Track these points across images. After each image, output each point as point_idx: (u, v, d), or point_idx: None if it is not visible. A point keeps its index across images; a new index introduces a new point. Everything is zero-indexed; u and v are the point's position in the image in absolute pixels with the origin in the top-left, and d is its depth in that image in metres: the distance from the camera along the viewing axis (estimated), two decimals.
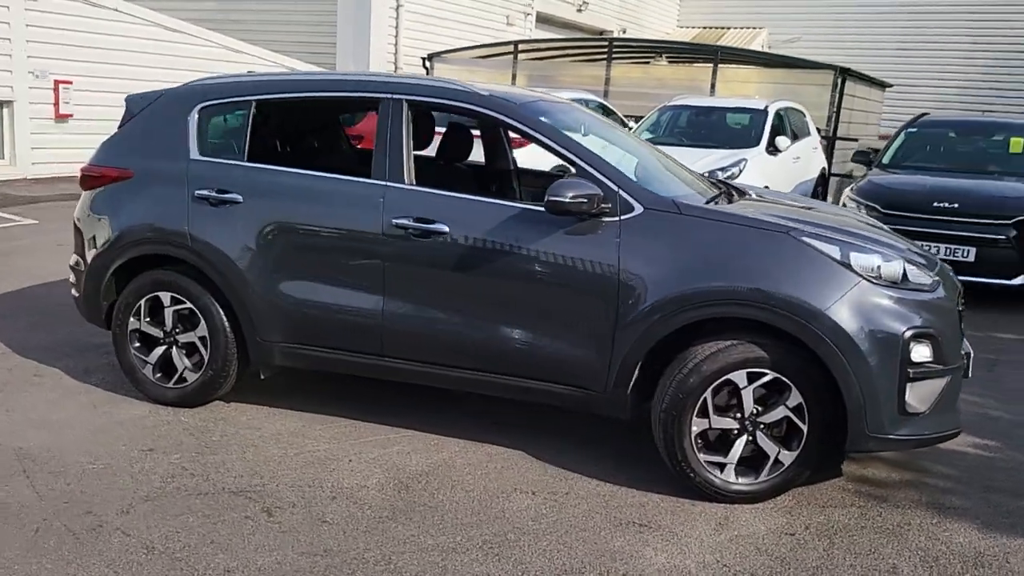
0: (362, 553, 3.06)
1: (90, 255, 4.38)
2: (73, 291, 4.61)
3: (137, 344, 4.35)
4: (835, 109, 12.21)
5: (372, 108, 4.19)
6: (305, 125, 5.05)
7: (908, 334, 3.32)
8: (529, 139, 3.85)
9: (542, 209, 3.68)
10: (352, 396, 4.50)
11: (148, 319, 4.31)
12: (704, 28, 25.62)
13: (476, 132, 5.11)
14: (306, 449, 3.90)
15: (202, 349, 4.21)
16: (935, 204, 7.08)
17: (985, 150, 8.44)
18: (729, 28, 24.98)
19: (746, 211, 3.72)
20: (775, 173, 8.90)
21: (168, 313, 4.24)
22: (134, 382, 4.37)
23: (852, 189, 7.85)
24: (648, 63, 15.33)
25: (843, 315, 3.30)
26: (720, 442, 3.51)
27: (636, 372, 3.56)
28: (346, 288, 3.96)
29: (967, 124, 9.29)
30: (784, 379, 3.41)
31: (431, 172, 4.39)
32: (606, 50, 14.01)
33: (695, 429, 3.46)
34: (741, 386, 3.43)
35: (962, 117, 10.79)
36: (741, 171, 8.23)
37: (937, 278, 3.58)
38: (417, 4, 16.62)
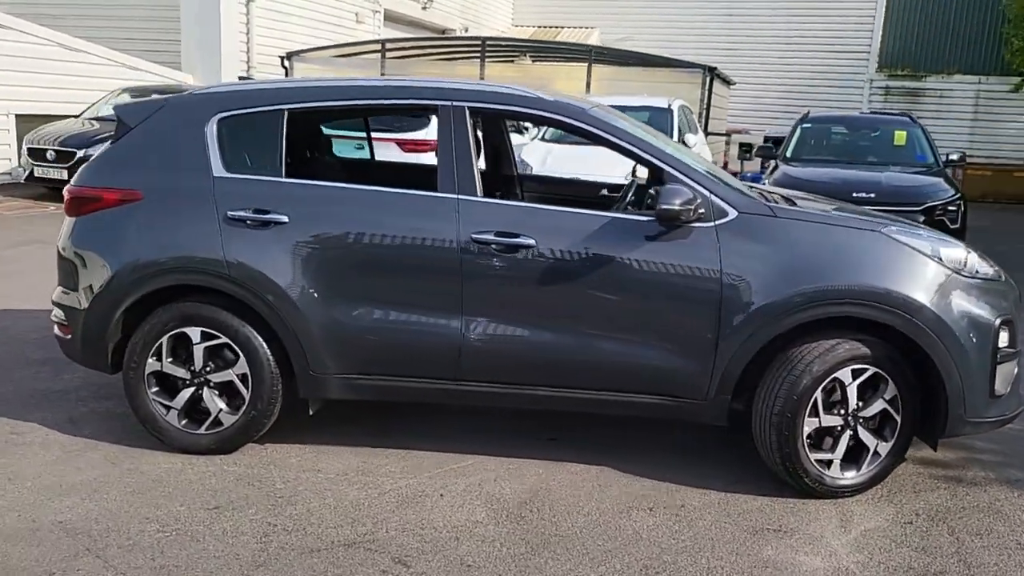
0: None
1: (90, 290, 3.81)
2: (60, 331, 4.00)
3: (155, 388, 3.84)
4: (705, 106, 12.82)
5: (426, 115, 3.92)
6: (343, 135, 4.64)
7: (998, 321, 3.52)
8: (606, 144, 3.74)
9: (631, 217, 3.61)
10: (383, 424, 4.22)
11: (171, 359, 3.81)
12: (538, 27, 26.11)
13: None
14: (386, 488, 3.60)
15: (241, 388, 3.78)
16: (854, 195, 7.58)
17: (872, 143, 9.16)
18: (563, 27, 25.61)
19: (828, 211, 3.80)
20: None
21: (198, 351, 3.77)
22: (155, 431, 3.85)
23: (766, 181, 8.27)
24: (513, 62, 15.40)
25: (943, 307, 3.45)
26: (823, 439, 3.57)
27: (738, 378, 3.56)
28: (418, 310, 3.68)
29: (853, 120, 10.08)
30: (882, 373, 3.52)
31: None
32: (478, 49, 13.93)
33: (807, 429, 3.50)
34: (846, 383, 3.50)
35: (845, 113, 11.66)
36: None
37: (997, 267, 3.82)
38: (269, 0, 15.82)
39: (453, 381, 3.74)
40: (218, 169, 3.78)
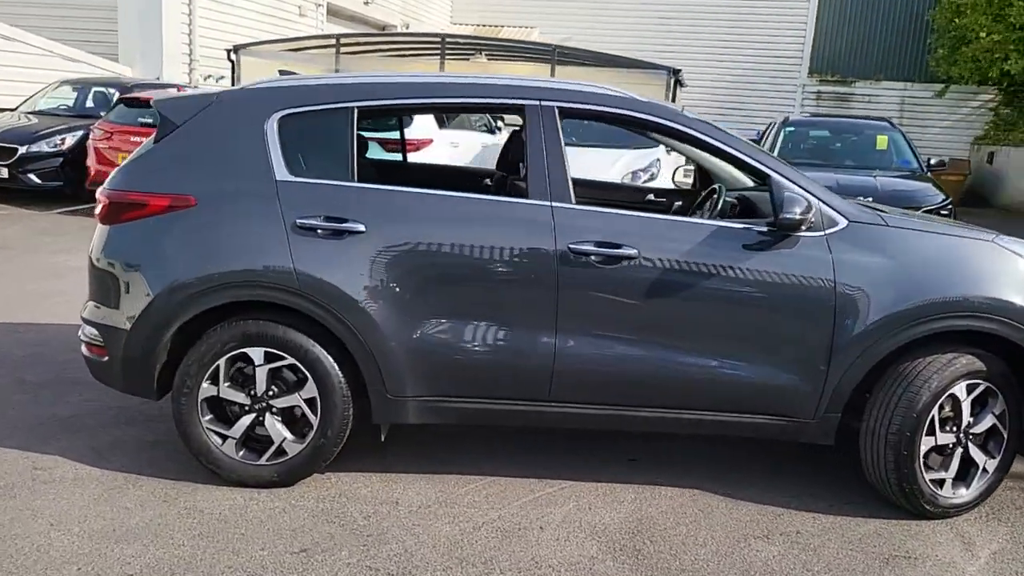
0: None
1: (134, 306, 3.39)
2: (91, 352, 3.56)
3: (209, 416, 3.44)
4: None
5: (509, 115, 3.63)
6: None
7: None
8: (705, 147, 3.53)
9: (738, 226, 3.41)
10: (449, 448, 3.92)
11: (228, 383, 3.42)
12: (479, 25, 25.81)
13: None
14: (478, 521, 3.30)
15: (309, 413, 3.42)
16: (857, 198, 7.59)
17: (855, 147, 9.23)
18: (503, 26, 25.38)
19: (934, 221, 3.67)
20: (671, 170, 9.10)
21: (260, 373, 3.39)
22: (210, 463, 3.45)
23: None
24: (468, 60, 15.05)
25: None
26: (934, 457, 3.44)
27: (850, 395, 3.39)
28: (509, 326, 3.39)
29: (835, 124, 10.15)
30: (993, 387, 3.41)
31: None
32: (438, 46, 13.55)
33: (923, 448, 3.36)
34: (961, 399, 3.38)
35: (824, 117, 11.73)
36: (659, 171, 8.30)
37: None
38: None
39: (543, 403, 3.47)
40: (281, 172, 3.40)
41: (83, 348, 3.63)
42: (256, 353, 3.38)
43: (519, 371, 3.42)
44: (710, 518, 3.40)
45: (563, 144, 3.46)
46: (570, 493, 3.56)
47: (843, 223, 3.39)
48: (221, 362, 3.39)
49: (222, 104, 3.54)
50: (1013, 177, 17.53)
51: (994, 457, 3.48)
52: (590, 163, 7.48)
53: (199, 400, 3.41)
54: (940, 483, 3.43)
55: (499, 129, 10.26)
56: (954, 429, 3.41)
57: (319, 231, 3.33)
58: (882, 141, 8.97)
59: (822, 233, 3.36)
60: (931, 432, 3.36)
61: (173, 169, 3.46)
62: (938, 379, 3.31)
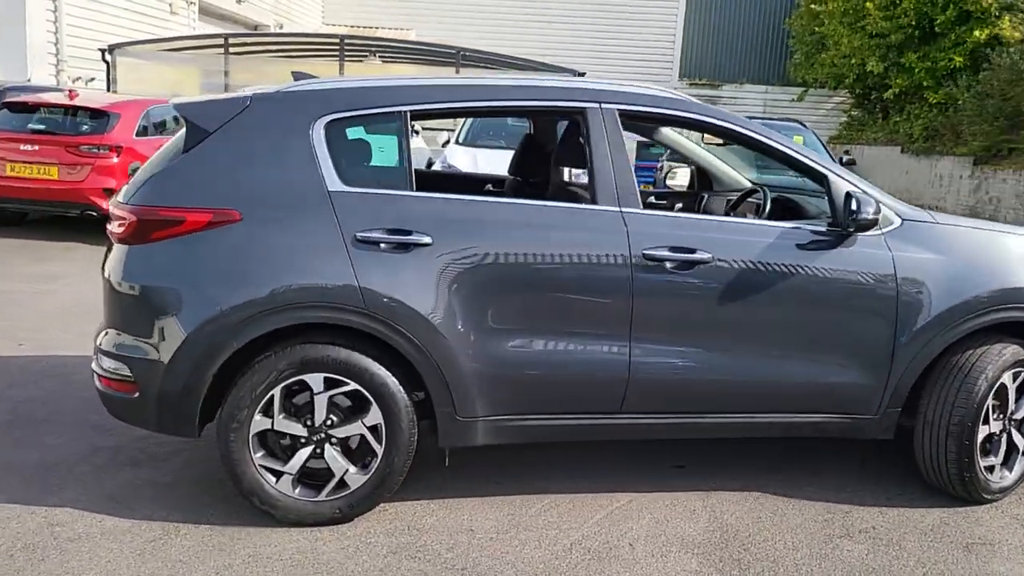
0: None
1: (175, 335, 3.03)
2: (114, 388, 3.17)
3: (261, 452, 3.13)
4: None
5: (566, 118, 3.49)
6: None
7: None
8: (761, 148, 3.52)
9: (807, 227, 3.43)
10: (496, 468, 3.75)
11: (283, 414, 3.12)
12: (352, 26, 25.25)
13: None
14: (563, 542, 3.16)
15: (373, 441, 3.17)
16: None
17: None
18: (378, 27, 24.94)
19: (973, 218, 3.81)
20: None
21: (320, 401, 3.11)
22: (264, 504, 3.13)
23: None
24: (362, 62, 14.66)
25: None
26: (985, 445, 3.56)
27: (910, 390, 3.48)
28: (583, 338, 3.26)
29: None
30: None
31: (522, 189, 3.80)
32: (337, 48, 13.06)
33: (980, 436, 3.48)
34: (1008, 386, 3.53)
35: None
36: None
37: None
38: None
39: (615, 415, 3.36)
40: (333, 182, 3.13)
41: (99, 383, 3.23)
42: (315, 380, 3.10)
43: (593, 384, 3.29)
44: (785, 520, 3.39)
45: (626, 147, 3.36)
46: (638, 506, 3.46)
47: (898, 221, 3.46)
48: (276, 391, 3.08)
49: (258, 108, 3.22)
50: (866, 174, 18.83)
51: None
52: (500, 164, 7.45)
53: (250, 435, 3.09)
54: (991, 469, 3.56)
55: (416, 133, 10.02)
56: (1001, 416, 3.55)
57: (382, 245, 3.09)
58: (797, 140, 9.35)
59: (880, 232, 3.42)
60: (986, 421, 3.49)
61: (210, 181, 3.12)
62: (992, 369, 3.44)
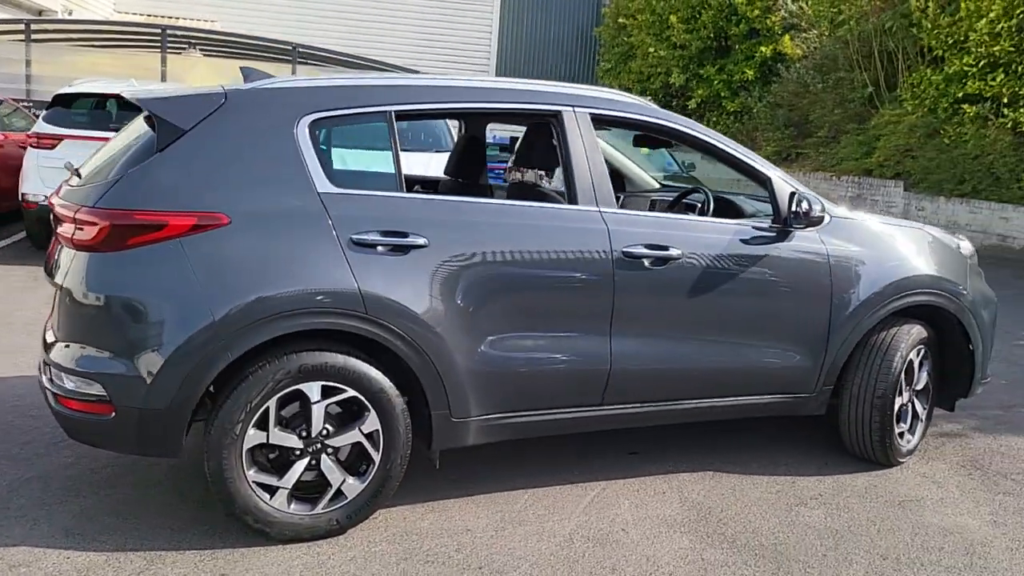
0: None
1: (161, 349, 2.82)
2: (86, 410, 2.90)
3: (253, 468, 2.99)
4: None
5: (540, 122, 3.57)
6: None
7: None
8: (717, 153, 3.77)
9: (758, 225, 3.72)
10: (456, 468, 3.78)
11: (278, 427, 2.99)
12: (148, 15, 23.63)
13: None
14: (564, 534, 3.25)
15: (370, 448, 3.11)
16: None
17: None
18: (179, 17, 23.53)
19: (876, 215, 4.26)
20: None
21: (317, 411, 3.01)
22: (259, 522, 2.99)
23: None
24: (180, 54, 13.79)
25: (973, 290, 4.12)
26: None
27: (840, 369, 3.87)
28: (567, 335, 3.37)
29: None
30: (928, 350, 4.09)
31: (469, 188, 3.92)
32: (158, 38, 12.16)
33: (896, 407, 3.94)
34: (914, 362, 4.01)
35: None
36: None
37: None
38: None
39: (596, 407, 3.50)
40: (323, 184, 3.04)
41: (58, 404, 2.93)
42: (312, 388, 3.00)
43: (578, 378, 3.41)
44: (745, 495, 3.67)
45: (599, 150, 3.50)
46: (613, 493, 3.62)
47: (828, 218, 3.84)
48: (271, 403, 2.95)
49: (235, 105, 3.06)
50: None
51: (926, 407, 4.18)
52: (411, 164, 7.41)
53: (244, 451, 2.94)
54: (902, 435, 4.04)
55: None
56: (908, 388, 4.03)
57: (379, 248, 3.04)
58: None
59: (815, 228, 3.78)
60: (900, 393, 3.95)
61: (191, 182, 2.93)
62: (904, 347, 3.91)
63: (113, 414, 2.85)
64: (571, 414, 3.46)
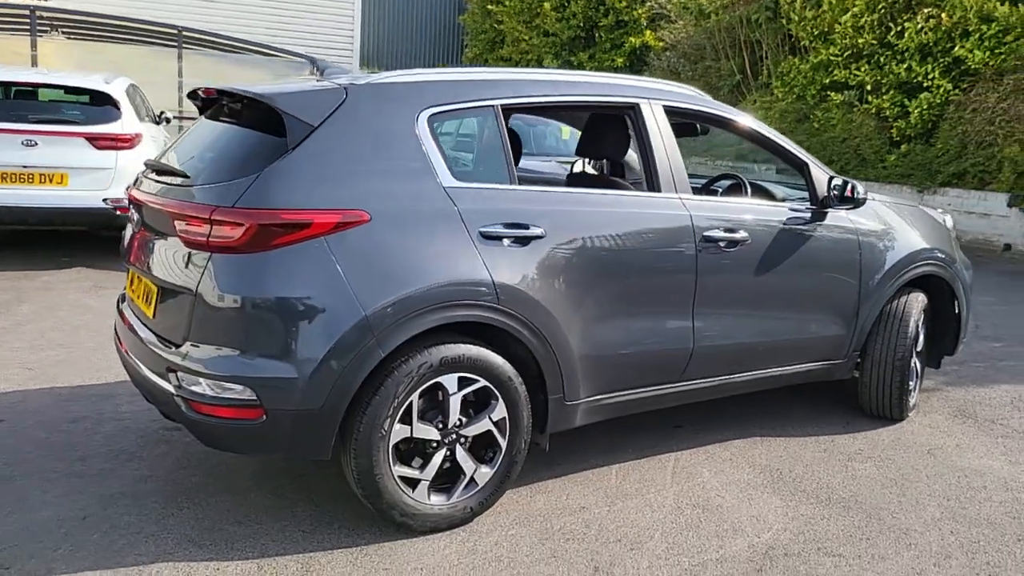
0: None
1: (313, 349, 2.80)
2: (233, 415, 2.82)
3: (397, 462, 3.02)
4: None
5: (612, 114, 3.72)
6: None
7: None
8: (761, 141, 4.05)
9: (796, 207, 4.05)
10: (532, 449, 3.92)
11: (420, 420, 3.03)
12: None
13: None
14: (667, 503, 3.46)
15: (497, 435, 3.20)
16: None
17: (544, 135, 10.30)
18: None
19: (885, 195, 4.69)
20: None
21: (454, 402, 3.07)
22: (404, 516, 3.02)
23: None
24: (42, 37, 12.70)
25: (959, 259, 4.65)
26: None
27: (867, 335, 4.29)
28: (661, 315, 3.58)
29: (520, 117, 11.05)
30: (923, 314, 4.59)
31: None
32: (27, 20, 11.15)
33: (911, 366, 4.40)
34: (920, 325, 4.49)
35: None
36: None
37: None
38: None
39: (676, 383, 3.72)
40: (447, 178, 3.08)
41: (198, 412, 2.84)
42: (450, 380, 3.05)
43: (667, 356, 3.63)
44: (802, 457, 4.00)
45: (674, 138, 3.70)
46: (688, 463, 3.86)
47: (869, 199, 4.21)
48: (414, 397, 2.98)
49: (357, 101, 3.04)
50: None
51: (921, 364, 4.68)
52: None
53: (390, 446, 2.96)
54: (911, 392, 4.51)
55: (167, 121, 9.19)
56: (918, 351, 4.51)
57: (505, 240, 3.12)
58: (566, 131, 10.18)
59: (844, 209, 4.16)
60: (914, 354, 4.42)
61: (329, 180, 2.89)
62: (916, 313, 4.37)
63: (263, 417, 2.79)
64: (656, 391, 3.66)
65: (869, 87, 13.04)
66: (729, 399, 4.49)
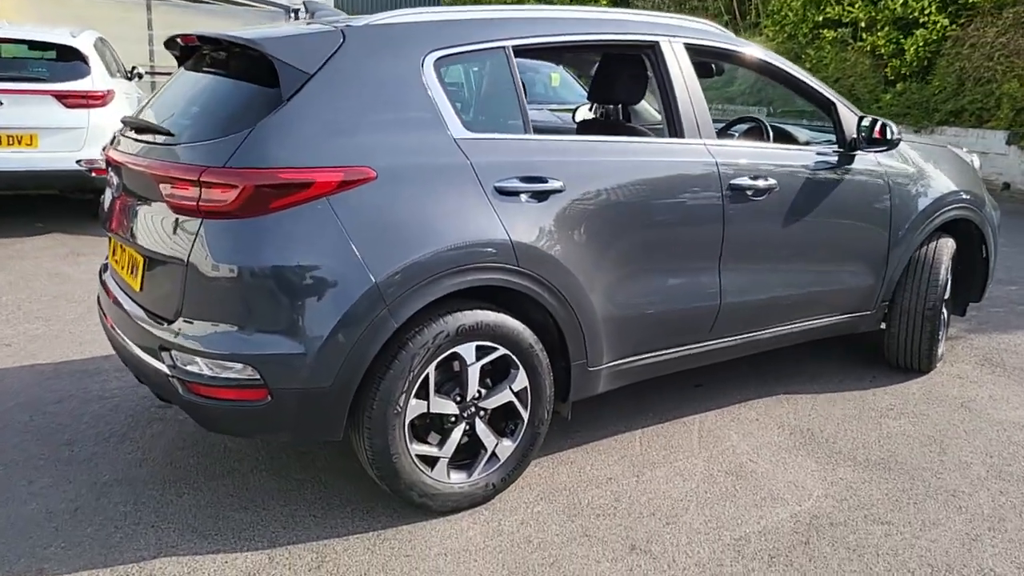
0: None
1: (321, 323, 2.53)
2: (235, 397, 2.58)
3: (415, 441, 2.79)
4: None
5: (628, 54, 3.42)
6: None
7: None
8: (790, 83, 3.78)
9: (823, 151, 3.79)
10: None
11: (437, 394, 2.79)
12: None
13: None
14: (699, 471, 3.26)
15: (519, 406, 2.97)
16: None
17: (534, 83, 9.91)
18: None
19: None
20: None
21: (472, 373, 2.83)
22: (423, 497, 2.81)
23: None
24: None
25: (986, 200, 4.42)
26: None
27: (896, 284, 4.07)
28: (687, 271, 3.33)
29: None
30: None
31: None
32: None
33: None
34: (948, 271, 4.27)
35: None
36: None
37: None
38: None
39: (703, 342, 3.50)
40: (457, 129, 2.80)
41: (196, 394, 2.58)
42: (468, 350, 2.80)
43: (694, 315, 3.40)
44: (832, 415, 3.80)
45: (697, 80, 3.42)
46: (714, 425, 3.66)
47: (902, 141, 3.95)
48: (431, 369, 2.74)
49: (356, 45, 2.74)
50: None
51: (946, 313, 4.48)
52: None
53: (406, 423, 2.72)
54: (939, 342, 4.31)
55: (139, 77, 8.76)
56: (945, 298, 4.30)
57: (522, 195, 2.85)
58: (555, 78, 9.82)
59: (873, 151, 3.90)
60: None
61: (330, 134, 2.60)
62: (946, 259, 4.15)
63: (267, 398, 2.54)
64: (682, 352, 3.44)
65: (863, 24, 12.71)
66: (744, 356, 4.30)
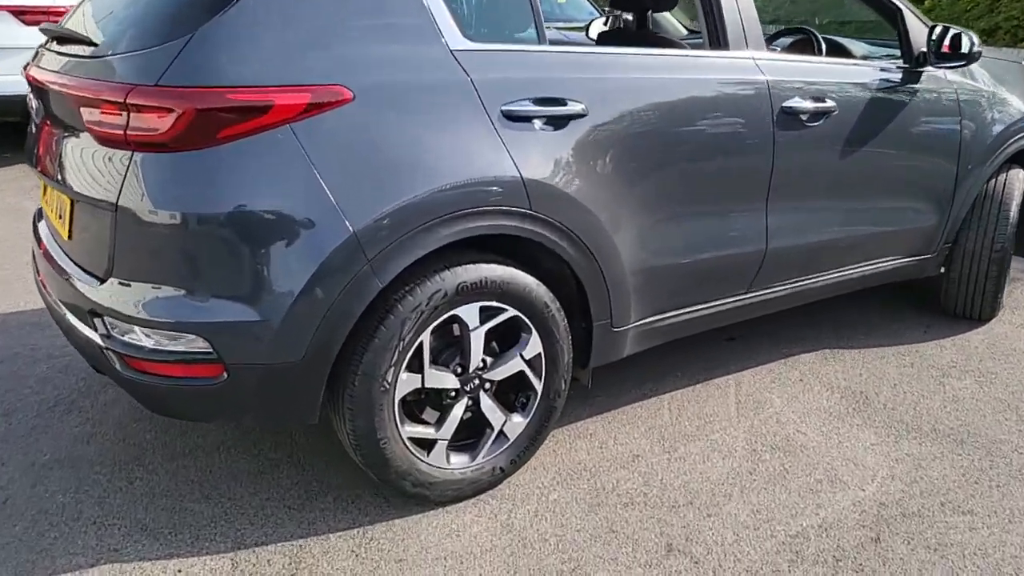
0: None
1: (286, 283, 2.03)
2: (183, 373, 2.09)
3: (407, 422, 2.32)
4: None
5: None
6: None
7: None
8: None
9: (886, 67, 3.23)
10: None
11: (433, 365, 2.30)
12: None
13: None
14: (739, 448, 2.80)
15: (531, 376, 2.48)
16: None
17: (547, 3, 9.23)
18: None
19: None
20: None
21: (476, 339, 2.33)
22: (418, 486, 2.35)
23: None
24: None
25: None
26: None
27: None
28: (726, 214, 2.81)
29: None
30: None
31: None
32: None
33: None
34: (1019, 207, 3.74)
35: None
36: None
37: None
38: None
39: (742, 295, 3.00)
40: (455, 38, 2.24)
41: (136, 370, 2.10)
42: (470, 312, 2.30)
43: (736, 263, 2.89)
44: (887, 373, 3.33)
45: None
46: (752, 387, 3.19)
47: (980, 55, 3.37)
48: (425, 336, 2.24)
49: None
50: None
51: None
52: None
53: (396, 401, 2.24)
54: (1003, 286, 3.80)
55: None
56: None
57: (535, 120, 2.31)
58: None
59: (943, 73, 3.33)
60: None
61: (293, 43, 2.05)
62: (1018, 194, 3.61)
63: (223, 375, 2.06)
64: (718, 307, 2.95)
65: None
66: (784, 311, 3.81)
